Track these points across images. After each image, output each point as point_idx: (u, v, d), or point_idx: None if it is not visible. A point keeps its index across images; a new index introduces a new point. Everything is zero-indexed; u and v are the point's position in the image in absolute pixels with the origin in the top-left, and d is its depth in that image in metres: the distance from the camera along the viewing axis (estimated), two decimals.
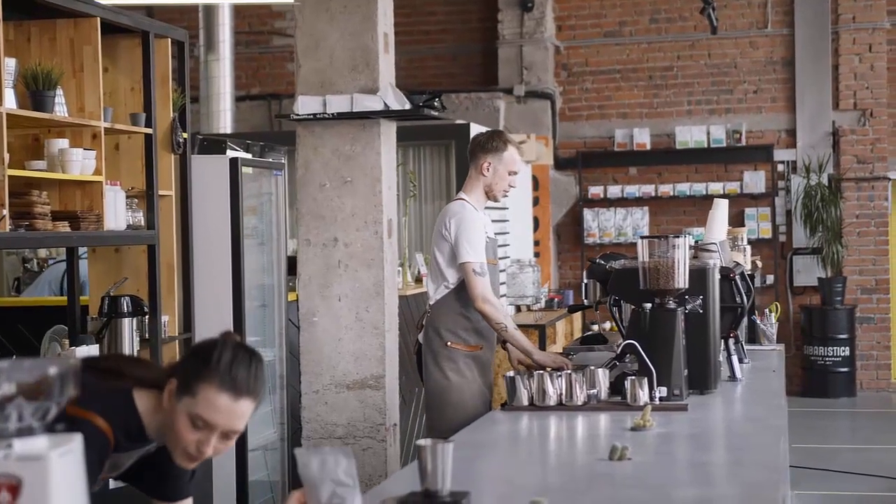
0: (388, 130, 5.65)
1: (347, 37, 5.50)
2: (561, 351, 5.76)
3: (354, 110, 5.45)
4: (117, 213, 5.26)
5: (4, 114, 4.56)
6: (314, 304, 5.56)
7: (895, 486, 7.96)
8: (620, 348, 4.41)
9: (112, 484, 3.18)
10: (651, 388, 4.22)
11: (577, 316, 10.52)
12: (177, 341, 5.81)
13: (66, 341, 5.36)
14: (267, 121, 12.56)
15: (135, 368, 2.74)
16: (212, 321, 6.09)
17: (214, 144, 6.83)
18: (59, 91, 4.94)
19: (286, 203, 6.95)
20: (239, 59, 12.05)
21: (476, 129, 8.85)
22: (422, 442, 2.69)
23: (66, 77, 5.06)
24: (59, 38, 5.14)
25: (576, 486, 3.15)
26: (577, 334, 10.13)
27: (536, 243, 11.79)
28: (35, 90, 4.81)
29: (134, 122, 5.48)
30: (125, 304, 5.36)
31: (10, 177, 4.67)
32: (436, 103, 5.68)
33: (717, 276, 4.68)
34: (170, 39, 5.85)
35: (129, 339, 5.35)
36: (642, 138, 12.46)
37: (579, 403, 4.22)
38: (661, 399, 4.23)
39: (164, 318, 5.68)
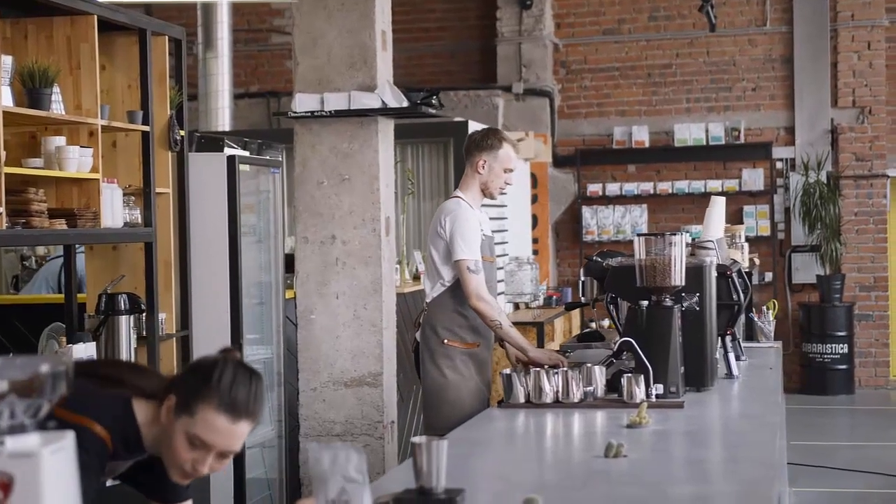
0: (386, 128, 5.65)
1: (345, 34, 5.50)
2: (558, 348, 5.76)
3: (352, 108, 5.46)
4: (114, 210, 5.25)
5: (1, 111, 4.55)
6: (312, 301, 5.57)
7: (893, 482, 7.96)
8: (617, 346, 4.41)
9: (108, 482, 3.17)
10: (647, 386, 4.22)
11: (576, 313, 10.53)
12: (174, 339, 5.81)
13: (64, 339, 5.35)
14: (265, 118, 12.56)
15: (135, 377, 2.72)
16: (209, 319, 6.09)
17: (212, 142, 6.82)
18: (56, 89, 4.94)
19: (284, 201, 6.95)
20: (238, 56, 12.05)
21: (474, 127, 8.85)
22: (416, 439, 2.69)
23: (62, 75, 5.06)
24: (56, 36, 5.14)
25: (571, 484, 3.16)
26: (576, 332, 10.14)
27: (535, 241, 11.79)
28: (32, 88, 4.81)
29: (131, 119, 5.47)
30: (122, 302, 5.36)
31: (6, 174, 4.67)
32: (433, 101, 5.68)
33: (714, 274, 4.68)
34: (167, 37, 5.85)
35: (127, 336, 5.35)
36: (641, 136, 12.46)
37: (576, 401, 4.22)
38: (657, 396, 4.24)
39: (162, 316, 5.67)
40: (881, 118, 12.21)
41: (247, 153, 6.85)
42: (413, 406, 7.42)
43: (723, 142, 12.32)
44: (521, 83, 12.38)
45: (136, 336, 5.43)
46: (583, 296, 5.21)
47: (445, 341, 4.98)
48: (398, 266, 7.66)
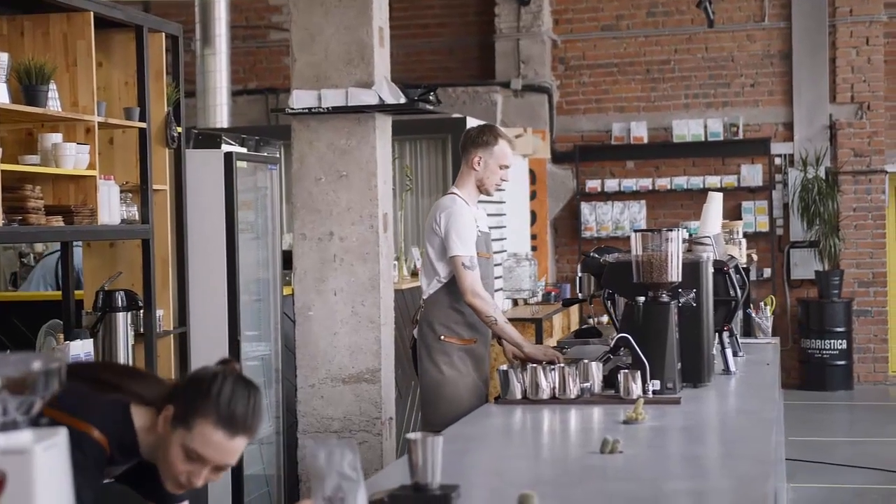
0: (384, 124, 5.65)
1: (342, 31, 5.50)
2: (555, 344, 5.76)
3: (350, 104, 5.45)
4: (111, 207, 5.25)
5: None
6: (310, 298, 5.57)
7: (892, 478, 7.97)
8: (614, 342, 4.41)
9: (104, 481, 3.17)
10: (644, 382, 4.22)
11: (574, 309, 10.52)
12: (171, 336, 5.81)
13: (61, 335, 5.35)
14: (264, 115, 12.56)
15: (134, 383, 2.71)
16: (207, 315, 6.09)
17: (209, 139, 6.82)
18: (53, 85, 4.93)
19: (282, 197, 6.95)
20: (236, 53, 12.04)
21: (473, 123, 8.84)
22: (411, 435, 2.69)
23: (59, 71, 5.06)
24: (53, 33, 5.13)
25: (567, 480, 3.16)
26: (575, 328, 10.13)
27: (534, 237, 11.79)
28: (28, 84, 4.81)
29: (128, 116, 5.47)
30: (120, 299, 5.35)
31: (3, 171, 4.67)
32: (431, 97, 5.68)
33: (711, 270, 4.68)
34: (164, 34, 5.84)
35: (124, 333, 5.35)
36: (639, 132, 12.46)
37: (572, 397, 4.22)
38: (654, 392, 4.24)
39: (159, 313, 5.67)
40: (880, 114, 12.20)
41: (244, 150, 6.84)
42: (411, 402, 7.43)
43: (721, 138, 12.32)
44: (520, 79, 12.37)
45: (133, 333, 5.43)
46: (580, 292, 5.21)
47: (442, 338, 4.98)
48: (396, 262, 7.66)
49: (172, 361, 5.81)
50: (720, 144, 12.34)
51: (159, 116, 5.73)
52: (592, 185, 12.52)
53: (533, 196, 11.83)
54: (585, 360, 4.34)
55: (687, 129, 12.34)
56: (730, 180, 12.22)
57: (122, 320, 5.35)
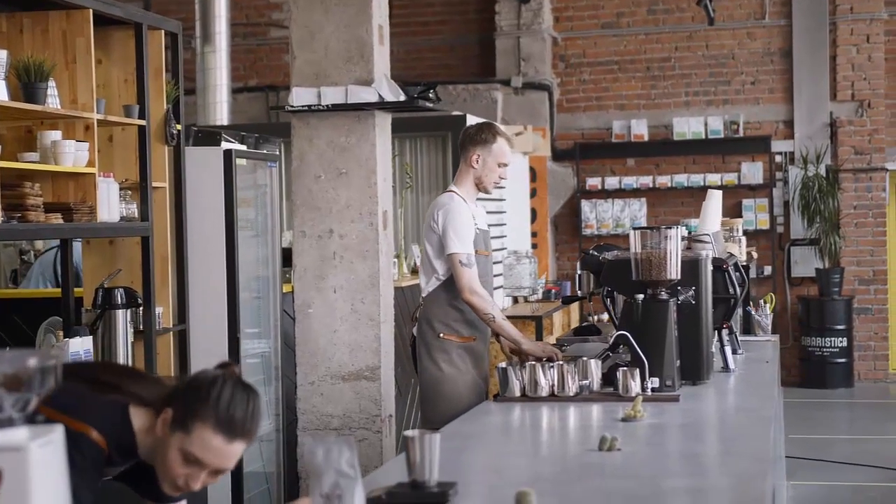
0: (384, 122, 5.65)
1: (342, 28, 5.49)
2: (554, 342, 5.76)
3: (349, 102, 5.45)
4: (111, 204, 5.25)
5: None
6: (309, 295, 5.57)
7: (892, 476, 7.96)
8: (613, 339, 4.41)
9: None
10: (643, 379, 4.22)
11: (575, 307, 10.52)
12: (171, 333, 5.81)
13: (61, 333, 5.35)
14: (264, 112, 12.55)
15: (134, 384, 2.71)
16: (206, 313, 6.09)
17: (209, 136, 6.82)
18: (52, 83, 4.93)
19: (282, 195, 6.95)
20: (236, 50, 12.03)
21: (473, 121, 8.85)
22: (409, 433, 2.70)
23: (58, 69, 5.06)
24: (52, 30, 5.13)
25: (565, 477, 3.16)
26: (575, 325, 10.13)
27: (534, 235, 11.79)
28: (27, 82, 4.81)
29: (127, 113, 5.47)
30: (119, 296, 5.35)
31: (2, 168, 4.67)
32: (430, 95, 5.67)
33: (710, 267, 4.68)
34: (163, 31, 5.84)
35: (123, 330, 5.35)
36: (640, 129, 12.45)
37: (571, 394, 4.22)
38: (653, 390, 4.24)
39: (159, 310, 5.67)
40: (880, 111, 12.20)
41: (244, 147, 6.84)
42: (411, 400, 7.43)
43: (722, 135, 12.31)
44: (520, 77, 12.37)
45: (132, 330, 5.43)
46: (579, 290, 5.21)
47: (441, 335, 4.99)
48: (396, 260, 7.66)
49: (172, 359, 5.81)
50: (721, 142, 12.34)
51: (159, 114, 5.73)
52: (593, 182, 12.52)
53: (533, 194, 11.82)
54: (584, 358, 4.34)
55: (687, 126, 12.33)
56: (730, 178, 12.22)
57: (122, 317, 5.35)
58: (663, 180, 12.36)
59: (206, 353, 5.89)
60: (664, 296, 4.38)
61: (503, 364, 4.34)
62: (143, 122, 5.52)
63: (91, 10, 5.15)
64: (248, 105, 12.60)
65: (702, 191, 11.67)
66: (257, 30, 13.20)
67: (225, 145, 6.54)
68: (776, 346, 6.12)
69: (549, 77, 12.55)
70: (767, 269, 12.15)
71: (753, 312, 6.46)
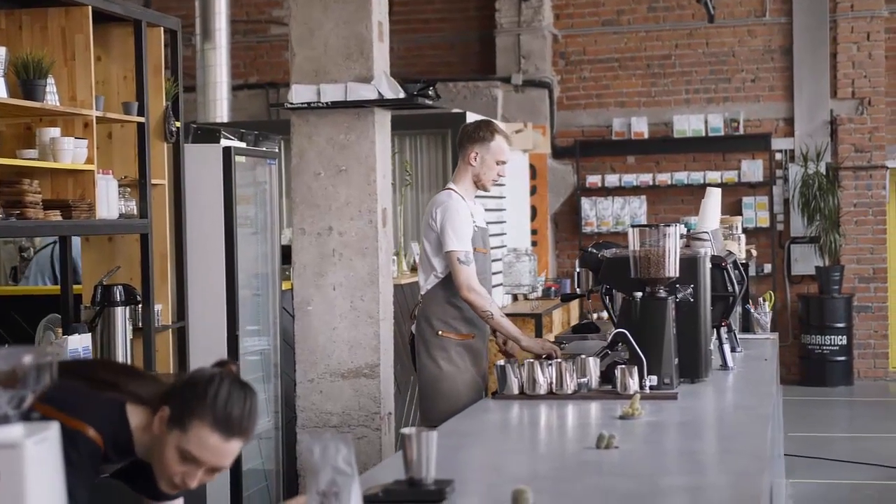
0: (383, 119, 5.65)
1: (342, 25, 5.49)
2: (553, 340, 5.76)
3: (349, 99, 5.45)
4: (109, 201, 5.25)
5: None
6: (309, 293, 5.56)
7: (892, 474, 7.96)
8: (611, 337, 4.41)
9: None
10: (641, 377, 4.22)
11: (575, 305, 10.53)
12: (170, 330, 5.81)
13: (60, 330, 5.35)
14: (265, 110, 12.55)
15: (131, 382, 2.71)
16: (205, 310, 6.09)
17: (208, 133, 6.82)
18: (51, 80, 4.93)
19: (281, 192, 6.94)
20: (236, 47, 12.03)
21: (473, 118, 8.85)
22: (406, 430, 2.70)
23: (57, 66, 5.05)
24: (51, 27, 5.13)
25: (562, 475, 3.16)
26: (575, 323, 10.13)
27: (534, 232, 11.79)
28: (26, 79, 4.80)
29: (126, 110, 5.47)
30: (118, 293, 5.35)
31: (1, 165, 4.67)
32: (430, 92, 5.67)
33: (708, 265, 4.68)
34: (162, 28, 5.84)
35: (122, 327, 5.35)
36: (640, 127, 12.45)
37: (569, 392, 4.22)
38: (651, 388, 4.24)
39: (158, 307, 5.67)
40: (880, 109, 12.19)
41: (243, 144, 6.84)
42: (410, 398, 7.43)
43: (722, 133, 12.31)
44: (521, 74, 12.36)
45: (131, 327, 5.43)
46: (578, 287, 5.21)
47: (440, 333, 4.99)
48: (395, 257, 7.66)
49: (171, 356, 5.81)
50: (721, 140, 12.33)
51: (158, 111, 5.73)
52: (593, 180, 12.52)
53: (533, 191, 11.82)
54: (583, 356, 4.34)
55: (687, 124, 12.33)
56: (730, 176, 12.22)
57: (121, 315, 5.35)
58: (663, 178, 12.36)
59: (206, 350, 5.89)
60: (662, 293, 4.38)
61: (501, 362, 4.34)
62: (142, 119, 5.52)
63: (90, 7, 5.15)
64: (249, 102, 12.60)
65: (702, 188, 11.63)
66: (257, 27, 13.20)
67: (224, 142, 6.54)
68: (775, 344, 6.12)
69: (550, 74, 12.55)
70: (767, 267, 12.15)
71: (752, 310, 6.46)
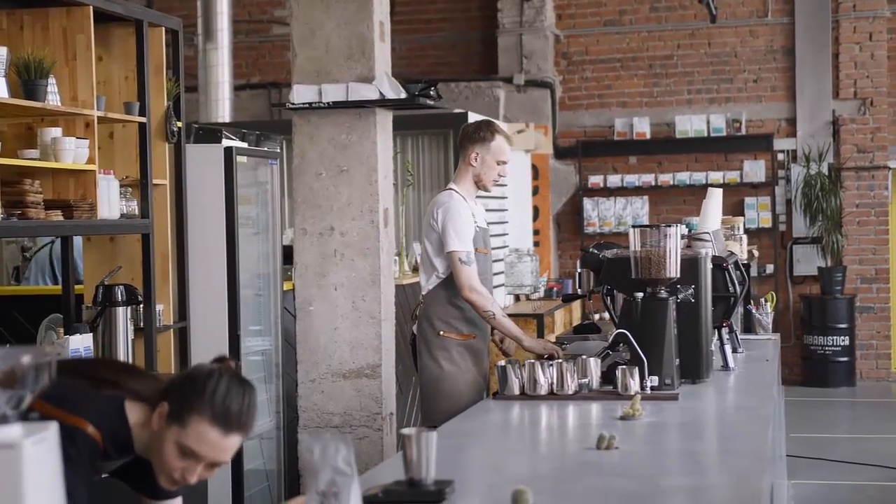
0: (384, 119, 5.65)
1: (343, 25, 5.49)
2: (554, 340, 5.76)
3: (350, 99, 5.45)
4: (111, 201, 5.24)
5: None
6: (310, 293, 5.57)
7: (893, 475, 7.95)
8: (612, 338, 4.40)
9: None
10: (642, 378, 4.22)
11: (577, 305, 10.52)
12: (171, 330, 5.81)
13: (61, 330, 5.35)
14: (266, 110, 12.55)
15: (131, 379, 2.71)
16: (207, 310, 6.09)
17: (210, 133, 6.82)
18: (52, 80, 4.93)
19: (283, 192, 6.94)
20: (238, 47, 12.03)
21: (474, 118, 8.84)
22: (406, 431, 2.69)
23: (58, 66, 5.05)
24: (52, 27, 5.13)
25: (563, 475, 3.15)
26: (577, 323, 10.12)
27: (536, 233, 11.79)
28: (27, 79, 4.80)
29: (128, 110, 5.47)
30: (119, 293, 5.35)
31: (2, 165, 4.67)
32: (432, 92, 5.67)
33: (710, 266, 4.67)
34: (164, 28, 5.84)
35: (124, 327, 5.34)
36: (642, 127, 12.44)
37: (570, 393, 4.22)
38: (652, 388, 4.23)
39: (159, 307, 5.67)
40: (883, 109, 12.18)
41: (245, 145, 6.84)
42: (412, 398, 7.43)
43: (724, 133, 12.30)
44: (522, 74, 12.36)
45: (133, 327, 5.43)
46: (579, 288, 5.21)
47: (441, 333, 4.98)
48: (397, 258, 7.66)
49: (172, 356, 5.81)
50: (723, 140, 12.32)
51: (159, 111, 5.73)
52: (595, 180, 12.51)
53: (535, 191, 11.82)
54: (584, 356, 4.33)
55: (689, 124, 12.33)
56: (732, 176, 12.21)
57: (122, 315, 5.35)
58: (665, 178, 12.35)
59: (207, 350, 5.86)
60: (664, 294, 4.38)
61: (503, 362, 4.34)
62: (143, 120, 5.51)
63: (91, 7, 5.15)
64: (251, 102, 12.60)
65: (704, 189, 11.61)
66: (259, 27, 13.20)
67: (226, 142, 6.54)
68: (777, 345, 6.12)
69: (552, 74, 12.55)
70: (770, 268, 12.14)
71: (754, 311, 6.45)
